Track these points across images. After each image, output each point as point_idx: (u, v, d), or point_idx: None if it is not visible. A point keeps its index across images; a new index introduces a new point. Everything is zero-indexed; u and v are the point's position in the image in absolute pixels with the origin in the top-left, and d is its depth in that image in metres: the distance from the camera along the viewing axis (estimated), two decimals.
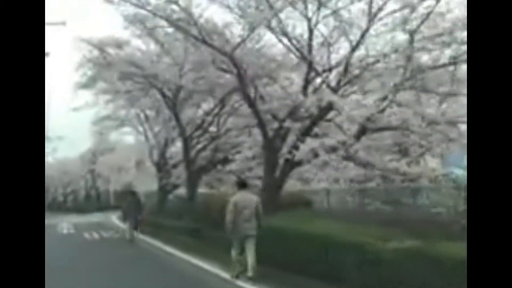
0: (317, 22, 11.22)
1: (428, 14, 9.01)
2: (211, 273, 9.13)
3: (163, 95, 17.97)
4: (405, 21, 9.29)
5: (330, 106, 11.13)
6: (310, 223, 8.65)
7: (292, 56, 12.48)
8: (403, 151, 13.58)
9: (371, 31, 10.63)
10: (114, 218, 28.44)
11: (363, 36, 10.65)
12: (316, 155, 11.33)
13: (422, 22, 9.16)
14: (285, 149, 12.16)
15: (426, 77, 10.29)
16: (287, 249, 8.46)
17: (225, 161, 18.67)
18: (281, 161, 12.15)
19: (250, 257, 8.15)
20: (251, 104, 12.65)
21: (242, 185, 8.72)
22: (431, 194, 11.86)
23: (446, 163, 13.52)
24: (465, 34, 8.60)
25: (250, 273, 8.06)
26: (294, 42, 11.49)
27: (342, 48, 11.84)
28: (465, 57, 8.77)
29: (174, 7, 11.45)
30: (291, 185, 14.73)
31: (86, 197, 49.72)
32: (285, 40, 11.60)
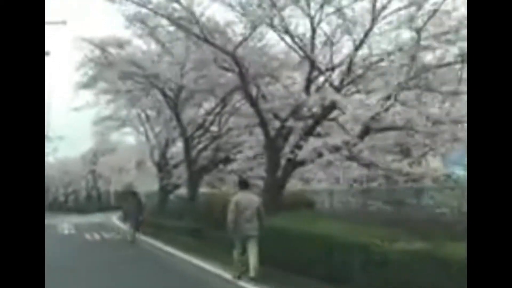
0: (320, 21, 11.13)
1: (435, 11, 8.91)
2: (212, 274, 9.07)
3: (164, 95, 17.90)
4: (411, 18, 9.19)
5: (333, 105, 11.04)
6: (313, 224, 8.59)
7: (294, 54, 12.38)
8: (405, 151, 13.49)
9: (375, 30, 10.55)
10: (115, 218, 28.40)
11: (366, 34, 10.56)
12: (319, 154, 11.23)
13: (429, 19, 9.05)
14: (287, 149, 12.06)
15: (431, 76, 10.18)
16: (290, 250, 8.39)
17: (227, 160, 18.60)
18: (283, 161, 12.06)
19: (252, 258, 8.10)
20: (253, 103, 12.56)
21: (243, 185, 8.65)
22: (434, 195, 11.79)
23: (447, 163, 13.44)
24: None
25: (252, 274, 8.01)
26: (297, 40, 11.38)
27: (345, 47, 11.78)
28: None
29: (176, 5, 11.40)
30: (292, 185, 14.65)
31: (87, 198, 49.71)
32: (287, 39, 11.51)
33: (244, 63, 12.14)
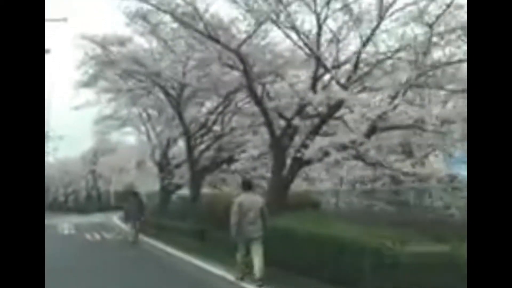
0: (326, 17, 10.94)
1: (448, 6, 8.71)
2: (215, 275, 8.98)
3: (166, 94, 17.71)
4: (421, 13, 8.98)
5: (340, 104, 10.84)
6: (319, 224, 8.49)
7: (300, 52, 12.18)
8: (407, 151, 13.34)
9: (382, 27, 10.36)
10: (115, 218, 28.29)
11: (373, 31, 10.37)
12: (326, 153, 11.03)
13: (443, 12, 8.83)
14: (293, 148, 11.86)
15: (439, 73, 10.00)
16: (296, 251, 8.25)
17: (229, 160, 18.41)
18: (288, 160, 11.86)
19: (257, 259, 7.98)
20: (258, 101, 12.38)
21: (247, 186, 8.51)
22: (442, 195, 11.62)
23: (450, 163, 13.25)
24: None
25: (258, 275, 7.90)
26: (303, 37, 11.18)
27: (351, 44, 11.58)
28: None
29: (179, 1, 11.20)
30: (297, 185, 14.46)
31: (87, 198, 49.57)
32: (293, 36, 11.32)
33: (249, 60, 11.96)
